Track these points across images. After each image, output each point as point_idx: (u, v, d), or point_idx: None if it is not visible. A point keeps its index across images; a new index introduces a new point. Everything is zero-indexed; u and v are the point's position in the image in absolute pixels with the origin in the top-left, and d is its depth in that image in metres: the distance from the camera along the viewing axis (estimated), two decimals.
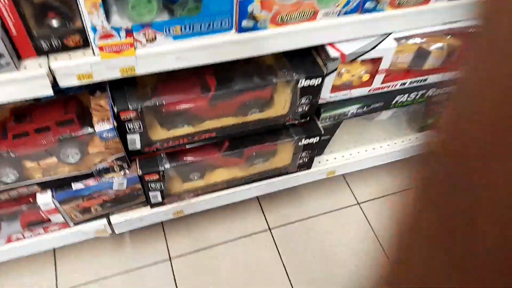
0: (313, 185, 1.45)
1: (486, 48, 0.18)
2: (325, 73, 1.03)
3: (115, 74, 0.88)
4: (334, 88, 1.11)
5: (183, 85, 1.02)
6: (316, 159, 1.30)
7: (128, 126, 0.97)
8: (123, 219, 1.18)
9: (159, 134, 1.06)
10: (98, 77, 0.87)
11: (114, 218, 1.18)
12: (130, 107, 0.93)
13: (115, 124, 0.93)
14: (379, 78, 1.13)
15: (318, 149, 1.24)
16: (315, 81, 1.04)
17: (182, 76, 1.01)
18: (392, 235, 0.24)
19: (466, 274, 0.19)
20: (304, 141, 1.16)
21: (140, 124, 0.97)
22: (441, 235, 0.20)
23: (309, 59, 1.05)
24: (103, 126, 0.92)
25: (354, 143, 1.37)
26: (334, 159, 1.33)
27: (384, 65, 1.09)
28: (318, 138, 1.16)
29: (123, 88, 0.97)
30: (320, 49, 1.05)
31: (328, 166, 1.32)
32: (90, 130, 0.93)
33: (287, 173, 1.29)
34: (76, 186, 1.04)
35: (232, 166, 1.21)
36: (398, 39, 1.06)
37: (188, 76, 1.02)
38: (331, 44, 1.03)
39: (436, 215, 0.21)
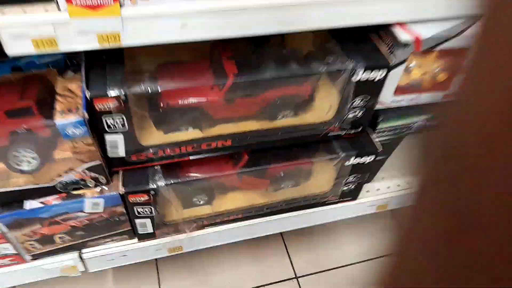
0: (355, 221, 1.12)
1: (489, 48, 0.17)
2: (391, 63, 0.73)
3: (91, 43, 0.60)
4: (399, 89, 0.80)
5: (189, 69, 0.73)
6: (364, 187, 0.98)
7: (106, 122, 0.67)
8: (100, 254, 0.87)
9: (153, 138, 0.76)
10: (65, 46, 0.60)
11: (87, 252, 0.87)
12: (109, 92, 0.64)
13: (86, 116, 0.64)
14: (459, 79, 0.81)
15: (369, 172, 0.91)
16: (377, 74, 0.73)
17: (189, 56, 0.73)
18: (393, 237, 0.24)
19: (465, 275, 0.19)
20: (353, 160, 0.85)
21: (124, 120, 0.67)
22: (441, 234, 0.20)
23: (367, 45, 0.75)
24: (67, 118, 0.63)
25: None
26: (387, 188, 1.00)
27: None
28: (372, 157, 0.85)
29: (105, 66, 0.68)
30: (382, 33, 0.75)
31: (379, 198, 0.99)
32: (47, 122, 0.63)
33: (324, 204, 0.96)
34: (31, 204, 0.74)
35: (251, 189, 0.90)
36: None
37: (197, 57, 0.73)
38: (401, 24, 0.73)
39: (436, 215, 0.20)
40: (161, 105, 0.73)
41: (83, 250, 0.86)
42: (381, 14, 0.68)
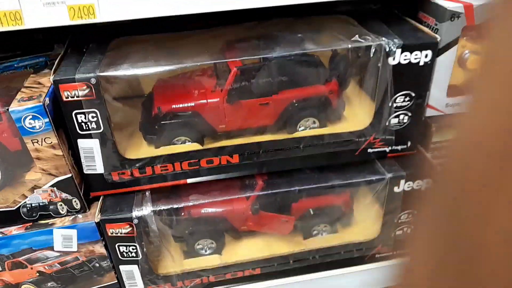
0: None
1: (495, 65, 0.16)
2: (437, 40, 0.57)
3: (59, 18, 0.51)
4: (454, 89, 0.62)
5: (189, 71, 0.60)
6: None
7: (76, 119, 0.54)
8: None
9: (140, 151, 0.61)
10: (31, 21, 0.51)
11: None
12: (77, 76, 0.52)
13: (47, 102, 0.52)
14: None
15: None
16: (420, 56, 0.57)
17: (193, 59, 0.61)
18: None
19: None
20: (405, 185, 0.63)
21: (97, 116, 0.54)
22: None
23: (403, 26, 0.61)
24: (23, 105, 0.51)
25: None
26: None
27: None
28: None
29: (84, 55, 0.58)
30: (421, 14, 0.60)
31: None
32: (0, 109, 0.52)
33: (372, 259, 0.72)
34: None
35: (271, 230, 0.69)
36: None
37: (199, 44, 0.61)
38: None
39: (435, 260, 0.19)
40: (150, 103, 0.60)
41: None
42: None
